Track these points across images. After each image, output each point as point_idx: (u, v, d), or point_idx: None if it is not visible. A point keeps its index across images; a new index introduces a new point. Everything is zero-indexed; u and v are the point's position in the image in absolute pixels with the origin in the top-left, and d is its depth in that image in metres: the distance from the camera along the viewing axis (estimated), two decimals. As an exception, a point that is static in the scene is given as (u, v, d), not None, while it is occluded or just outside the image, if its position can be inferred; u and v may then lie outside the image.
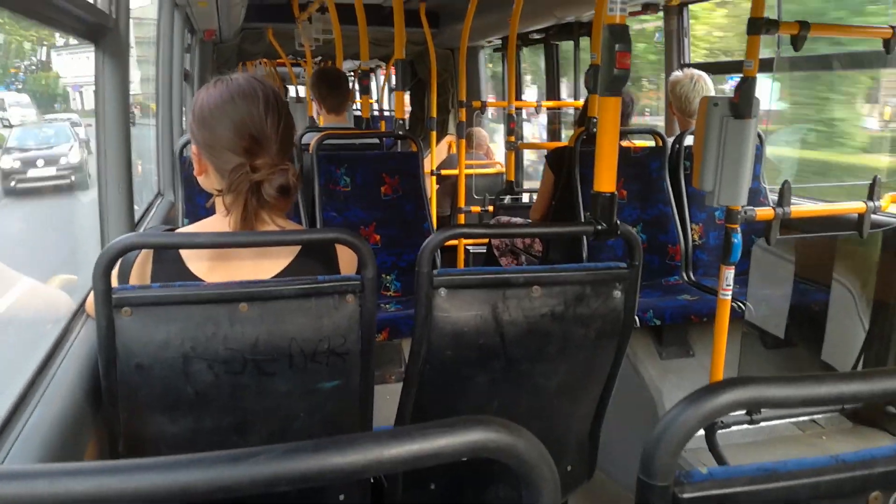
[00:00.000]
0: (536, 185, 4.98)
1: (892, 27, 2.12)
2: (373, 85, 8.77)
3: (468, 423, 0.58)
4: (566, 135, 5.03)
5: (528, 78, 6.07)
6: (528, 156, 5.87)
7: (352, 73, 8.53)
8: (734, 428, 2.09)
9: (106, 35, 1.90)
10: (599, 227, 1.47)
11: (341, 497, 1.46)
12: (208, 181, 1.38)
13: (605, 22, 1.39)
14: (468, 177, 4.33)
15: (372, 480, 1.56)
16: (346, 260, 1.43)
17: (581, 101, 3.71)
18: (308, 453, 0.54)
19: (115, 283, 1.32)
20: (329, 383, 1.35)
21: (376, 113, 8.08)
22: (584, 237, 2.71)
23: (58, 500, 0.48)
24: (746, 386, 0.64)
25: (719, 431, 2.05)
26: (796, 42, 2.05)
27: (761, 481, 0.65)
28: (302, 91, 8.54)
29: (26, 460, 1.02)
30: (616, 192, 1.49)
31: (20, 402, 1.25)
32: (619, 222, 1.48)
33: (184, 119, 3.91)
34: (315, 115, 3.68)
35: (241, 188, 1.29)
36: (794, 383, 0.65)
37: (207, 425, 1.30)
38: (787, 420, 2.36)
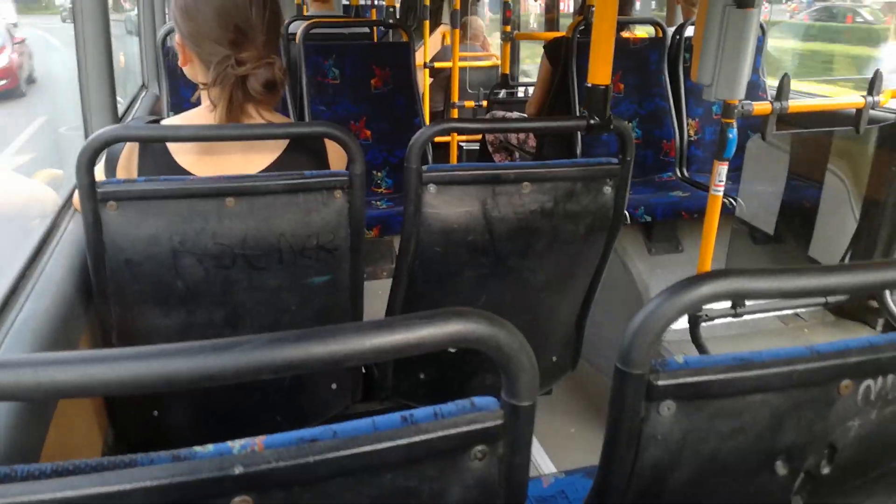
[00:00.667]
0: (533, 79, 4.87)
1: None
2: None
3: (449, 314, 0.58)
4: (564, 25, 4.85)
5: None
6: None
7: None
8: (718, 321, 2.13)
9: None
10: (592, 122, 1.44)
11: (333, 386, 1.50)
12: (193, 72, 1.35)
13: None
14: (462, 70, 4.22)
15: (364, 370, 1.60)
16: (336, 154, 1.42)
17: None
18: (291, 342, 0.55)
19: (101, 177, 1.31)
20: (319, 278, 1.36)
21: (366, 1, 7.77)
22: (578, 132, 2.68)
23: (41, 388, 0.49)
24: (727, 278, 0.65)
25: (703, 324, 2.10)
26: None
27: (736, 370, 0.67)
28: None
29: (18, 352, 1.04)
30: (611, 86, 1.45)
31: (9, 297, 1.26)
32: (612, 116, 1.45)
33: (166, 5, 3.74)
34: (302, 3, 3.53)
35: (226, 81, 1.26)
36: (774, 276, 0.65)
37: (199, 318, 1.32)
38: (771, 314, 2.41)
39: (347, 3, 3.66)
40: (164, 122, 1.37)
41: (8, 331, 1.08)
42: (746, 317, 2.12)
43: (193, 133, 1.28)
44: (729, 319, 2.11)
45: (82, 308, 1.32)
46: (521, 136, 3.41)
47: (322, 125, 1.32)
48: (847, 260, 2.36)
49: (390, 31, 3.29)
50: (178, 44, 1.32)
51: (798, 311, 2.44)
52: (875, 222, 2.30)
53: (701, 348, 1.72)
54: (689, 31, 2.87)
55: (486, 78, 4.73)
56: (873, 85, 2.13)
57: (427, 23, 4.52)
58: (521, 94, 4.51)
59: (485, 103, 3.97)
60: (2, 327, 1.10)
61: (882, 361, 0.69)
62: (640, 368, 0.64)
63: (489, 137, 3.62)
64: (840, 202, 2.40)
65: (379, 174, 2.84)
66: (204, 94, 1.34)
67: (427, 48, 4.47)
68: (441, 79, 4.72)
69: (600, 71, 1.44)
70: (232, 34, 1.25)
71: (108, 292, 1.26)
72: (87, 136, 1.95)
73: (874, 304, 2.36)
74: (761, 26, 2.66)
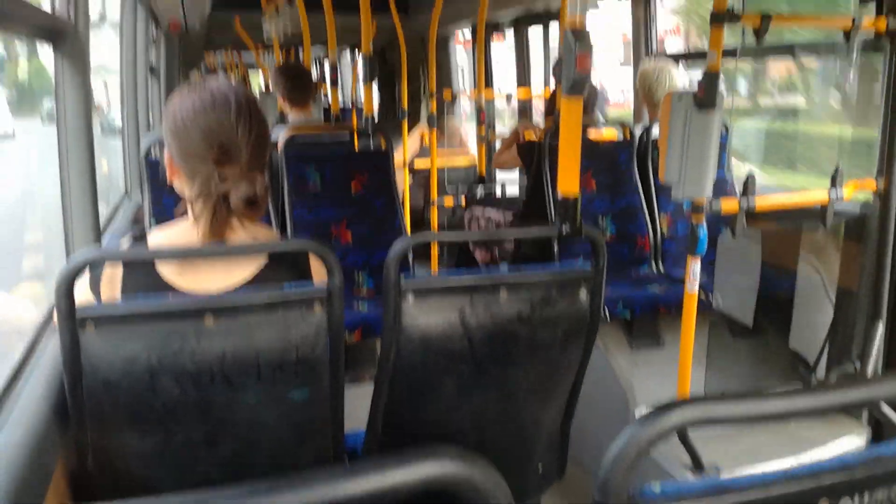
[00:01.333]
0: (508, 176, 5.00)
1: (852, 18, 2.15)
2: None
3: (423, 455, 0.58)
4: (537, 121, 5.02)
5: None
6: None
7: (316, 61, 8.40)
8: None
9: (65, 38, 1.87)
10: (564, 230, 1.48)
11: None
12: (180, 186, 1.38)
13: (566, 26, 1.39)
14: (441, 169, 4.32)
15: None
16: (318, 263, 1.43)
17: (551, 90, 3.72)
18: (263, 494, 0.55)
19: (85, 293, 1.31)
20: (298, 392, 1.35)
21: (348, 105, 8.02)
22: None
23: None
24: (696, 405, 0.66)
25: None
26: (759, 33, 2.07)
27: (712, 494, 0.67)
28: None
29: None
30: (579, 196, 1.50)
31: None
32: (582, 225, 1.49)
33: (150, 116, 3.85)
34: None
35: (209, 197, 1.28)
36: (741, 401, 0.67)
37: (177, 439, 1.29)
38: None
39: (327, 107, 3.80)
40: (149, 235, 1.38)
41: None
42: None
43: (170, 253, 1.29)
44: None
45: (59, 429, 1.29)
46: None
47: (300, 242, 1.34)
48: (826, 352, 2.38)
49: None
50: (168, 158, 1.36)
51: None
52: (850, 313, 2.34)
53: (692, 452, 1.71)
54: (656, 131, 2.99)
55: (464, 175, 4.84)
56: (835, 180, 2.21)
57: (405, 122, 4.67)
58: (498, 192, 4.62)
59: (464, 200, 4.06)
60: None
61: (857, 480, 0.70)
62: (617, 500, 0.64)
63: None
64: (815, 293, 2.44)
65: (360, 276, 2.86)
66: (190, 207, 1.37)
67: (406, 148, 4.59)
68: (421, 177, 4.83)
69: (569, 181, 1.49)
70: (216, 152, 1.28)
71: (85, 414, 1.24)
72: (68, 250, 1.96)
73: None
74: (724, 124, 2.77)
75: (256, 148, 1.33)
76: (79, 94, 1.92)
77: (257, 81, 10.80)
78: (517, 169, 4.15)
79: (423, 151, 4.93)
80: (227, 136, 1.29)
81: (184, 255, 1.31)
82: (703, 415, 0.65)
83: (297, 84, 3.30)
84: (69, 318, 1.19)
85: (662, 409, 0.65)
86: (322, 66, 8.68)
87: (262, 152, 1.35)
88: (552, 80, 4.38)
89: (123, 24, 3.52)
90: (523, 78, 5.12)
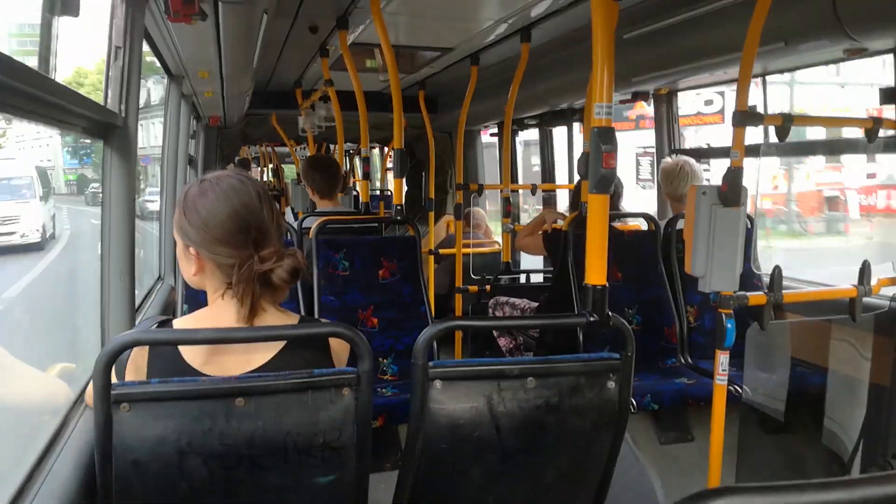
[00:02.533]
0: (533, 264, 5.05)
1: (873, 118, 2.21)
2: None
3: None
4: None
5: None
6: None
7: (347, 154, 8.72)
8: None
9: (114, 133, 1.99)
10: (592, 319, 1.50)
11: None
12: (202, 280, 1.40)
13: (592, 125, 1.45)
14: (466, 256, 4.39)
15: None
16: (338, 345, 1.45)
17: (574, 184, 3.80)
18: None
19: (112, 374, 1.34)
20: (324, 478, 1.34)
21: (375, 192, 8.23)
22: None
23: None
24: (731, 496, 0.65)
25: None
26: (780, 133, 2.13)
27: None
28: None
29: None
30: (607, 285, 1.52)
31: (18, 496, 1.25)
32: (610, 314, 1.51)
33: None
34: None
35: (250, 279, 1.32)
36: (777, 492, 0.66)
37: None
38: None
39: (357, 195, 3.95)
40: (177, 322, 1.41)
41: None
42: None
43: (208, 336, 1.32)
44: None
45: None
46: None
47: (332, 325, 1.37)
48: (860, 450, 2.31)
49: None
50: (193, 254, 1.37)
51: None
52: (884, 410, 2.28)
53: None
54: (680, 224, 3.02)
55: (488, 262, 4.90)
56: (863, 274, 2.21)
57: (431, 213, 4.78)
58: (522, 280, 4.65)
59: (488, 288, 4.09)
60: None
61: None
62: None
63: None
64: (847, 388, 2.39)
65: (385, 361, 2.87)
66: (215, 297, 1.40)
67: (432, 236, 4.68)
68: (446, 264, 4.90)
69: (597, 271, 1.51)
70: (253, 235, 1.34)
71: (113, 493, 1.25)
72: (103, 331, 2.01)
73: None
74: (749, 218, 2.81)
75: (278, 224, 1.40)
76: (124, 185, 2.02)
77: (290, 173, 11.20)
78: (541, 258, 4.20)
79: (449, 241, 5.02)
80: (257, 220, 1.35)
81: (220, 339, 1.34)
82: None
83: (326, 175, 3.42)
84: (105, 396, 1.21)
85: (699, 497, 0.64)
86: (352, 159, 8.99)
87: (282, 229, 1.42)
88: (576, 175, 4.50)
89: (168, 119, 3.72)
90: (547, 172, 5.24)
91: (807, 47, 2.34)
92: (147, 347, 1.36)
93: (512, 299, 3.78)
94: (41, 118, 1.54)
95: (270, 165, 11.38)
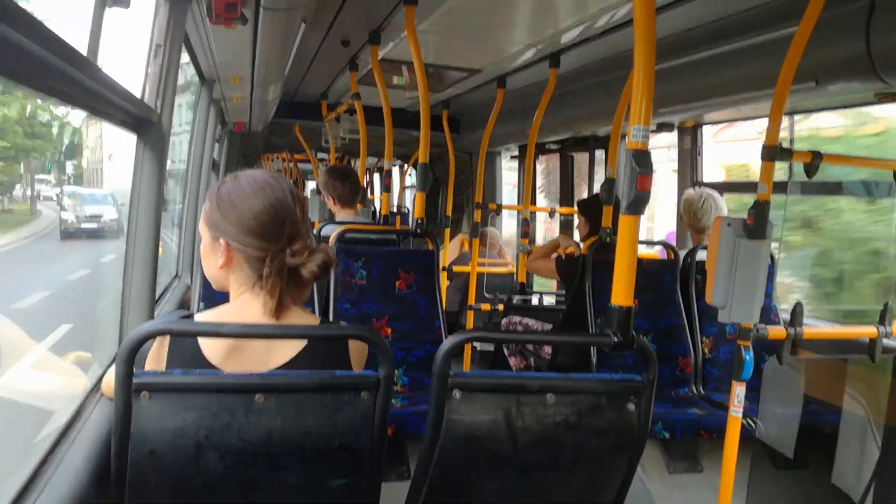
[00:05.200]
0: (546, 287, 5.04)
1: None
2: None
3: None
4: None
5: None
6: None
7: (368, 170, 8.79)
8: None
9: (149, 127, 2.01)
10: (616, 340, 1.49)
11: None
12: (227, 275, 1.41)
13: (628, 147, 1.46)
14: (479, 274, 4.40)
15: None
16: (357, 350, 1.46)
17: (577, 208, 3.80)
18: None
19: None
20: (339, 481, 1.34)
21: (393, 209, 8.26)
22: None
23: None
24: None
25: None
26: (809, 170, 2.13)
27: None
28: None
29: None
30: (633, 307, 1.52)
31: (28, 484, 1.25)
32: (635, 335, 1.50)
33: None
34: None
35: (281, 273, 1.34)
36: None
37: None
38: None
39: (375, 209, 3.99)
40: (199, 316, 1.42)
41: None
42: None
43: (233, 331, 1.32)
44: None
45: (96, 497, 1.30)
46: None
47: (357, 328, 1.38)
48: (871, 492, 2.28)
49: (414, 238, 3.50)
50: (222, 246, 1.37)
51: None
52: (898, 454, 2.26)
53: None
54: (700, 255, 3.02)
55: (501, 283, 4.90)
56: (884, 316, 2.20)
57: (447, 231, 4.80)
58: (535, 302, 4.64)
59: (501, 307, 4.09)
60: None
61: None
62: None
63: (506, 342, 3.68)
64: (860, 429, 2.37)
65: (396, 372, 2.87)
66: (239, 292, 1.41)
67: (447, 253, 4.69)
68: (458, 281, 4.90)
69: (623, 292, 1.51)
70: (288, 229, 1.36)
71: (126, 482, 1.25)
72: (122, 322, 2.03)
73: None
74: (771, 255, 2.80)
75: (309, 226, 1.43)
76: (154, 179, 2.04)
77: (310, 186, 11.37)
78: (555, 281, 4.20)
79: (462, 258, 5.03)
80: (290, 215, 1.37)
81: (245, 334, 1.34)
82: None
83: (346, 185, 3.44)
84: (126, 385, 1.21)
85: None
86: (372, 174, 9.06)
87: (311, 231, 1.44)
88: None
89: (196, 122, 3.76)
90: (566, 196, 5.25)
91: (838, 88, 2.35)
92: (167, 341, 1.37)
93: (525, 319, 3.78)
94: (84, 105, 1.57)
95: (291, 180, 11.49)
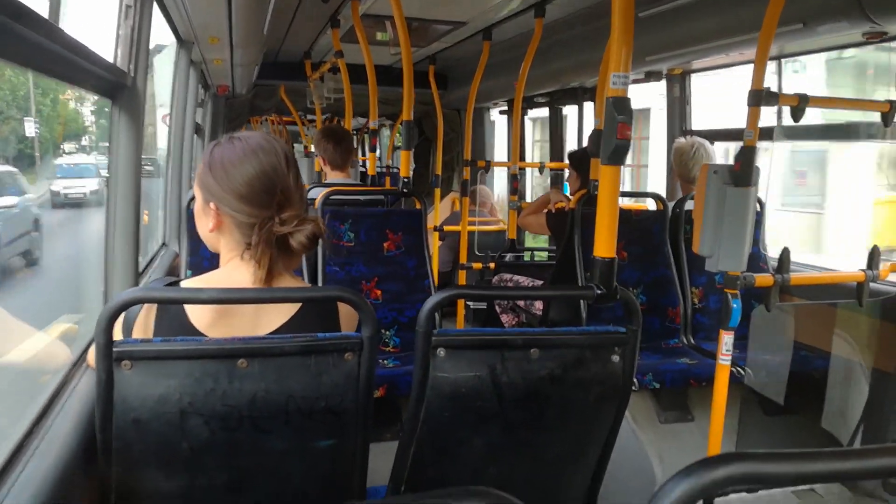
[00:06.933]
0: (538, 243, 5.03)
1: (890, 101, 2.18)
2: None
3: (462, 494, 0.58)
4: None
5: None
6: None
7: (356, 131, 8.70)
8: (732, 496, 2.06)
9: (123, 92, 1.97)
10: (599, 292, 1.48)
11: None
12: (218, 238, 1.39)
13: (607, 95, 1.43)
14: (471, 233, 4.38)
15: None
16: (347, 315, 1.45)
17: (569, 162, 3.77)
18: None
19: (118, 334, 1.33)
20: (325, 442, 1.34)
21: (382, 170, 8.19)
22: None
23: None
24: (742, 462, 0.64)
25: (718, 499, 2.02)
26: (796, 113, 2.10)
27: None
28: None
29: None
30: (616, 257, 1.51)
31: (14, 455, 1.25)
32: (618, 287, 1.49)
33: (193, 171, 3.98)
34: (321, 171, 3.75)
35: (269, 240, 1.32)
36: (789, 460, 0.65)
37: (202, 483, 1.29)
38: (788, 489, 2.33)
39: (364, 170, 3.95)
40: (184, 283, 1.41)
41: (10, 490, 1.06)
42: (762, 492, 2.05)
43: (213, 296, 1.30)
44: (743, 495, 2.03)
45: (84, 467, 1.30)
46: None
47: (337, 289, 1.36)
48: (860, 434, 2.31)
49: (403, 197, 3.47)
50: (211, 209, 1.36)
51: (814, 486, 2.35)
52: (886, 394, 2.28)
53: None
54: (689, 205, 3.00)
55: (493, 241, 4.89)
56: (872, 259, 2.19)
57: (438, 190, 4.76)
58: (527, 258, 4.64)
59: (492, 265, 4.08)
60: (4, 486, 1.08)
61: None
62: None
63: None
64: (849, 373, 2.39)
65: (387, 333, 2.87)
66: (228, 257, 1.39)
67: (437, 213, 4.66)
68: (450, 241, 4.89)
69: (605, 243, 1.50)
70: (278, 196, 1.33)
71: (113, 452, 1.25)
72: (106, 291, 2.01)
73: (892, 480, 2.28)
74: (759, 201, 2.79)
75: (302, 192, 1.39)
76: (131, 145, 2.01)
77: (297, 148, 11.27)
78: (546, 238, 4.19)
79: (454, 217, 5.00)
80: (283, 183, 1.34)
81: (225, 299, 1.33)
82: (751, 471, 0.62)
83: (339, 146, 3.39)
84: (107, 354, 1.20)
85: (706, 462, 0.63)
86: (361, 133, 8.96)
87: (304, 196, 1.41)
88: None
89: (176, 85, 3.69)
90: (557, 150, 5.21)
91: (825, 29, 2.30)
92: (154, 309, 1.35)
93: (516, 277, 3.77)
94: (50, 71, 1.52)
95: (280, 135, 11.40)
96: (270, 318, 1.37)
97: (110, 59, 1.95)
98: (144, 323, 1.35)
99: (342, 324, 1.44)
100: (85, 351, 1.71)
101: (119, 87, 1.96)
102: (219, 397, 1.24)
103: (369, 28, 3.90)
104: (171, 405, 1.23)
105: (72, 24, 1.62)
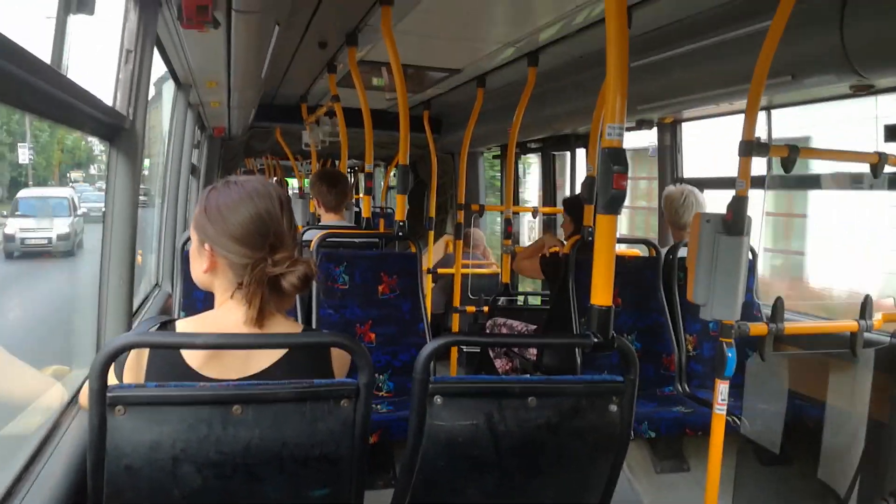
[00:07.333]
0: (531, 287, 5.03)
1: (879, 153, 2.22)
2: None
3: None
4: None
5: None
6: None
7: (351, 170, 8.75)
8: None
9: (121, 134, 1.98)
10: (596, 340, 1.48)
11: None
12: (212, 279, 1.40)
13: (602, 146, 1.45)
14: (464, 276, 4.39)
15: None
16: (339, 357, 1.44)
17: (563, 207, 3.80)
18: None
19: (110, 375, 1.32)
20: (319, 491, 1.32)
21: (376, 210, 8.24)
22: None
23: None
24: None
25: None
26: (786, 164, 2.14)
27: None
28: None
29: None
30: (612, 307, 1.51)
31: (4, 501, 1.23)
32: (615, 335, 1.49)
33: (188, 212, 3.98)
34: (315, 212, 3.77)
35: (261, 282, 1.33)
36: None
37: None
38: None
39: (358, 211, 3.97)
40: (180, 323, 1.40)
41: None
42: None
43: (208, 342, 1.30)
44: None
45: None
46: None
47: (334, 335, 1.36)
48: (857, 486, 2.29)
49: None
50: (206, 251, 1.38)
51: None
52: (882, 447, 2.27)
53: None
54: (682, 252, 3.02)
55: (486, 284, 4.89)
56: (865, 309, 2.21)
57: (431, 233, 4.78)
58: (520, 302, 4.64)
59: (486, 309, 4.07)
60: None
61: None
62: None
63: (490, 344, 3.67)
64: (845, 422, 2.38)
65: (381, 377, 2.84)
66: (223, 298, 1.39)
67: (431, 255, 4.67)
68: (443, 283, 4.89)
69: (602, 292, 1.50)
70: (270, 239, 1.35)
71: (103, 498, 1.22)
72: (100, 334, 1.99)
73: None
74: (752, 249, 2.81)
75: (294, 235, 1.41)
76: (128, 186, 2.02)
77: (291, 185, 11.31)
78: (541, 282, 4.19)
79: (447, 260, 5.01)
80: (276, 226, 1.37)
81: (219, 345, 1.32)
82: None
83: (334, 189, 3.42)
84: (100, 399, 1.19)
85: None
86: (356, 175, 9.02)
87: (296, 238, 1.43)
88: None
89: (174, 127, 3.72)
90: (549, 196, 5.25)
91: (813, 82, 2.35)
92: (147, 349, 1.35)
93: (510, 321, 3.77)
94: (49, 115, 1.53)
95: (275, 178, 11.47)
96: (263, 356, 1.37)
97: (109, 102, 1.97)
98: (136, 363, 1.34)
99: (334, 364, 1.44)
100: (77, 392, 1.69)
101: (117, 130, 1.97)
102: (212, 444, 1.23)
103: (365, 74, 3.96)
104: (164, 452, 1.21)
105: (73, 67, 1.65)
